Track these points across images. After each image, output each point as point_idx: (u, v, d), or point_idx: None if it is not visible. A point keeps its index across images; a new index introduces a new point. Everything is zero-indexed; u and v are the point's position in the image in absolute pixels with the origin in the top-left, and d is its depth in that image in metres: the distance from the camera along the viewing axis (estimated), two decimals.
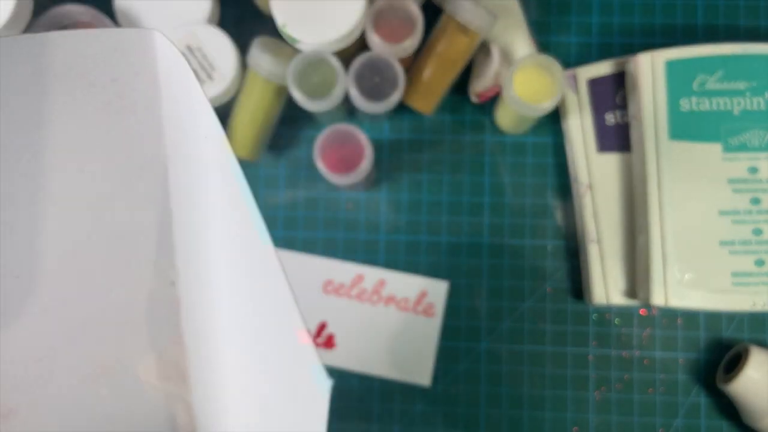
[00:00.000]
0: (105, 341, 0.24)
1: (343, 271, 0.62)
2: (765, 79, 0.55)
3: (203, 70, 0.56)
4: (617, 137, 0.60)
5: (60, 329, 0.24)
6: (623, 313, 0.61)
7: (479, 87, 0.61)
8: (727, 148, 0.55)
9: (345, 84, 0.54)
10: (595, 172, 0.60)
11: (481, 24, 0.56)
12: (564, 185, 0.62)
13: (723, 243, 0.54)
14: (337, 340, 0.61)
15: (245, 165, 0.63)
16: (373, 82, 0.56)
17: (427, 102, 0.60)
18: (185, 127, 0.27)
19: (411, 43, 0.55)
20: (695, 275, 0.54)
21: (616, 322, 0.61)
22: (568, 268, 0.61)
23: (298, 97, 0.54)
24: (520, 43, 0.60)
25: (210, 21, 0.58)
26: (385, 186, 0.63)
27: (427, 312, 0.61)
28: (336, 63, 0.53)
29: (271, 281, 0.36)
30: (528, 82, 0.55)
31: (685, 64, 0.56)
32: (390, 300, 0.61)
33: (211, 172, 0.28)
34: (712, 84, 0.56)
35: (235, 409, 0.27)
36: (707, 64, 0.56)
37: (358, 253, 0.62)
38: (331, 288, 0.62)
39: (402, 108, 0.63)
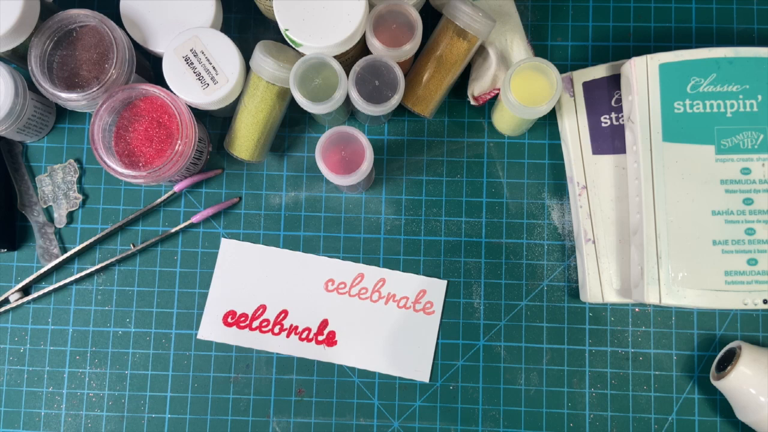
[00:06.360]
0: None
1: (344, 269, 0.63)
2: (758, 82, 0.56)
3: (207, 74, 0.56)
4: (612, 139, 0.60)
5: None
6: (618, 311, 0.62)
7: (477, 90, 0.61)
8: (720, 150, 0.56)
9: (346, 87, 0.54)
10: (591, 172, 0.60)
11: (479, 28, 0.57)
12: (560, 186, 0.63)
13: (716, 242, 0.55)
14: (339, 337, 0.62)
15: (249, 167, 0.64)
16: (374, 85, 0.56)
17: (426, 104, 0.60)
18: None
19: (411, 47, 0.55)
20: (688, 274, 0.54)
21: (611, 319, 0.62)
22: (564, 267, 0.62)
23: (301, 99, 0.54)
24: (518, 46, 0.61)
25: (214, 25, 0.59)
26: (385, 187, 0.64)
27: (426, 310, 0.62)
28: (337, 66, 0.54)
29: None
30: (525, 85, 0.55)
31: (679, 67, 0.56)
32: (390, 298, 0.62)
33: None
34: (706, 87, 0.56)
35: None
36: (701, 67, 0.56)
37: (358, 253, 0.63)
38: (332, 286, 0.63)
39: (402, 110, 0.63)
